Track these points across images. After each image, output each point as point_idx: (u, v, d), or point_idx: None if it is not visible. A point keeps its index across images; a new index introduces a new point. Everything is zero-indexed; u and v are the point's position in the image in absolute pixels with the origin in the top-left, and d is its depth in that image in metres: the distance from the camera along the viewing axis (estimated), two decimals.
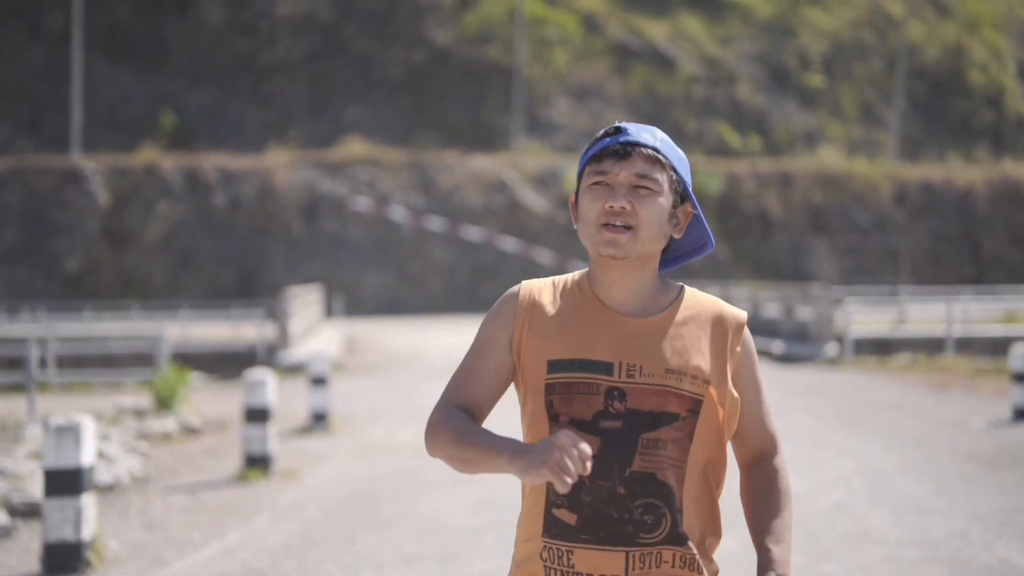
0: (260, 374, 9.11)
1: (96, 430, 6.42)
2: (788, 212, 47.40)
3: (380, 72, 51.58)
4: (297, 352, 20.63)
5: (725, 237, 46.48)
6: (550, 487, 2.16)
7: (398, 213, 42.20)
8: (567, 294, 2.28)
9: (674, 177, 2.23)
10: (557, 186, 45.50)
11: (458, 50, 52.53)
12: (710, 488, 2.22)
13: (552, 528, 2.17)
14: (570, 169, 45.92)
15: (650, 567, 2.13)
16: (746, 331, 2.29)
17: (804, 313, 21.79)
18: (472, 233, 42.25)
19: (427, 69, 51.85)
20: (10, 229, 41.28)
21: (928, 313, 25.88)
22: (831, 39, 58.10)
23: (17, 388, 17.43)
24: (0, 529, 6.81)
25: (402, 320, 35.56)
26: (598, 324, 2.22)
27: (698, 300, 2.28)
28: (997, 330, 22.72)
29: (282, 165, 44.21)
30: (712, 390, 2.19)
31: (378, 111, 50.42)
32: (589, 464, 2.01)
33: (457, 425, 2.21)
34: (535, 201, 44.97)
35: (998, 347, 20.09)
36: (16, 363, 19.18)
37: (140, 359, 19.94)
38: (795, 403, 13.56)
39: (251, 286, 41.06)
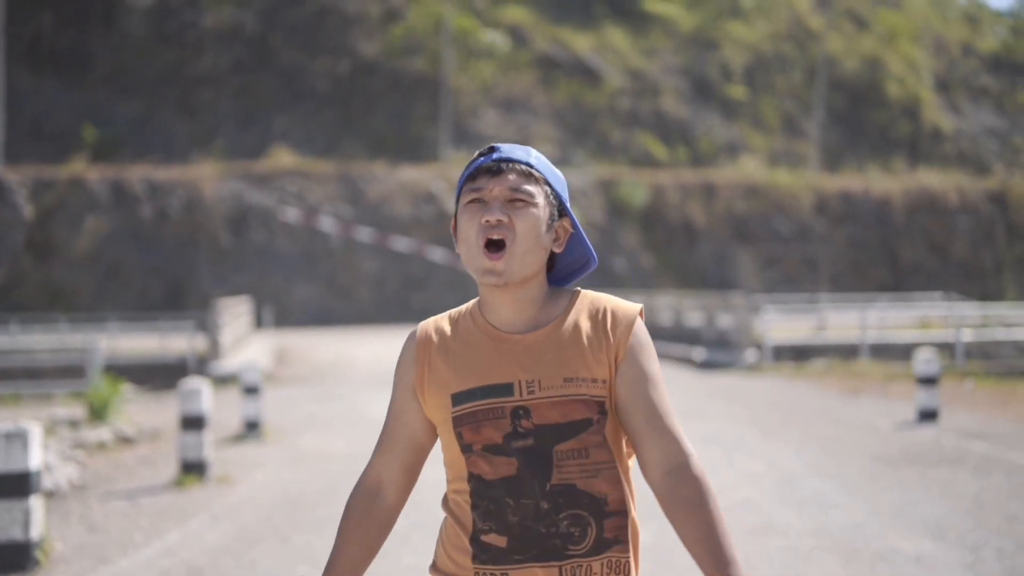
0: (195, 383, 9.40)
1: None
2: (712, 222, 48.25)
3: (307, 83, 51.69)
4: (228, 363, 20.82)
5: (650, 247, 47.23)
6: (476, 518, 2.18)
7: (327, 224, 42.38)
8: (461, 325, 2.30)
9: (549, 191, 2.25)
10: None
11: (385, 62, 52.81)
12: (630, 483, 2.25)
13: (482, 555, 2.18)
14: None
15: None
16: (638, 324, 2.26)
17: (725, 321, 22.41)
18: (401, 244, 42.54)
19: (354, 81, 52.06)
20: None
21: (846, 320, 26.66)
22: (752, 52, 59.23)
23: None
24: None
25: (332, 331, 35.75)
26: (493, 348, 2.24)
27: (589, 302, 2.28)
28: (910, 336, 23.52)
29: (209, 176, 44.16)
30: (607, 391, 2.20)
31: (305, 122, 50.51)
32: None
33: (342, 523, 2.33)
34: None
35: (911, 353, 20.86)
36: None
37: (68, 371, 20.03)
38: (713, 408, 14.11)
39: (179, 298, 40.97)
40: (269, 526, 7.44)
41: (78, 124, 47.98)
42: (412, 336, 2.33)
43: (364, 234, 42.47)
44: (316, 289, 41.65)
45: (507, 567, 2.16)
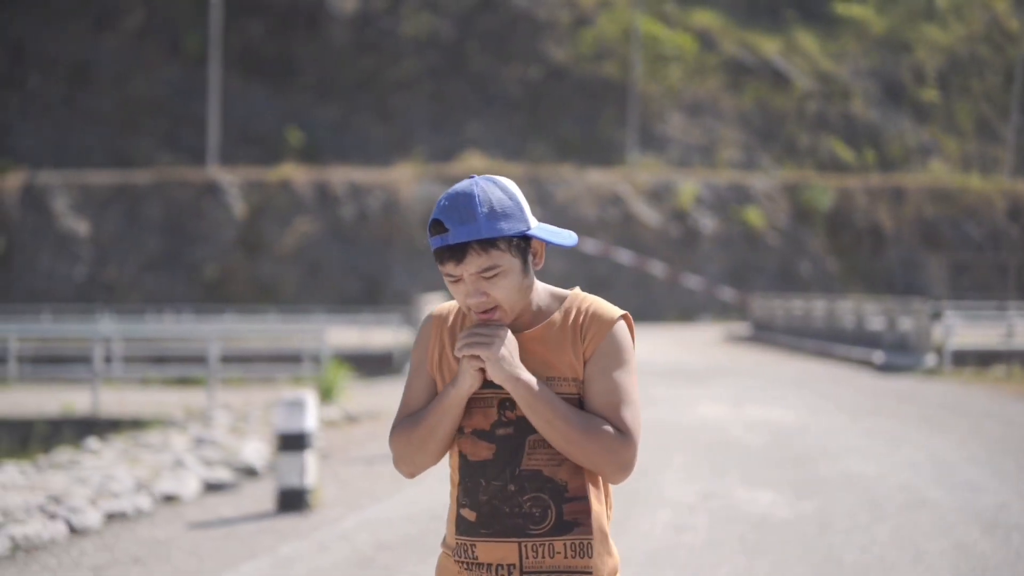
0: None
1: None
2: (900, 226, 47.98)
3: (498, 88, 53.38)
4: None
5: (836, 251, 47.31)
6: (459, 493, 2.44)
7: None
8: (470, 317, 2.48)
9: (513, 240, 2.36)
10: (670, 200, 46.77)
11: (574, 67, 54.11)
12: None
13: (461, 526, 2.41)
14: (683, 184, 47.19)
15: (544, 557, 2.36)
16: (616, 329, 2.42)
17: (905, 325, 22.95)
18: (588, 246, 43.73)
19: (543, 85, 53.52)
20: (153, 238, 43.96)
21: None
22: (947, 54, 58.37)
23: (175, 381, 19.57)
24: (228, 484, 8.70)
25: None
26: None
27: (576, 304, 2.46)
28: None
29: (406, 179, 46.19)
30: (580, 390, 2.40)
31: (496, 126, 52.21)
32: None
33: (408, 419, 2.47)
34: (648, 215, 46.32)
35: None
36: (161, 359, 21.42)
37: (283, 358, 21.96)
38: (886, 406, 14.93)
39: (375, 294, 43.07)
40: None
41: (283, 128, 50.72)
42: (428, 318, 2.54)
43: None
44: None
45: (475, 539, 2.39)
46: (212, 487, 8.57)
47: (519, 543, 2.34)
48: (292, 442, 7.56)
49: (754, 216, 46.75)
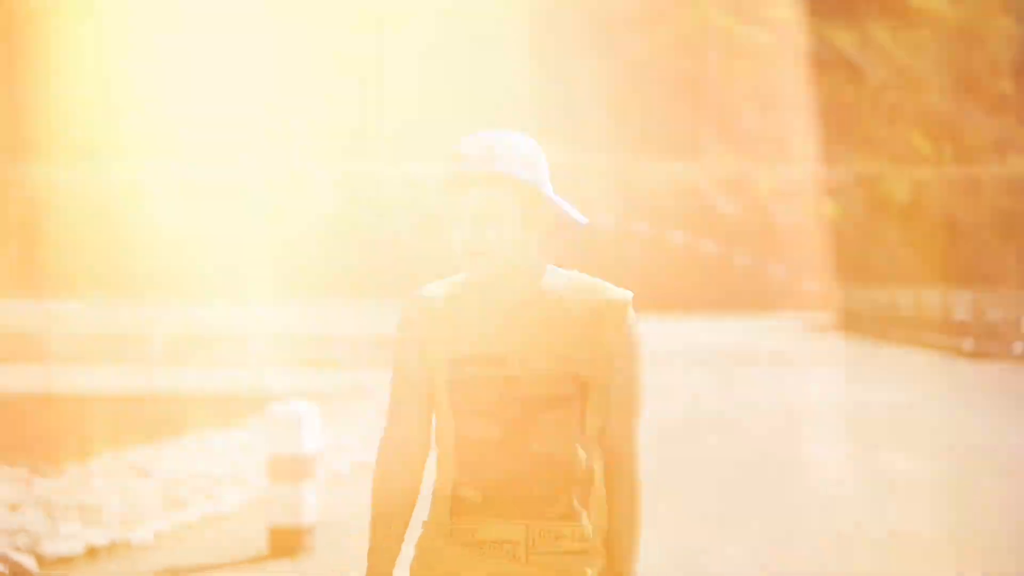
0: None
1: None
2: (976, 218, 48.39)
3: (576, 82, 54.28)
4: None
5: (911, 242, 47.86)
6: (457, 470, 2.29)
7: (604, 218, 44.89)
8: (463, 293, 2.35)
9: (518, 190, 2.24)
10: (747, 192, 47.59)
11: (651, 60, 54.88)
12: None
13: (459, 506, 2.28)
14: (760, 176, 48.01)
15: (550, 540, 2.26)
16: (629, 315, 2.31)
17: (993, 315, 23.80)
18: (675, 236, 44.55)
19: (621, 79, 54.35)
20: None
21: None
22: (1022, 46, 58.45)
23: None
24: None
25: None
26: (491, 318, 2.31)
27: (584, 285, 2.31)
28: None
29: None
30: (592, 372, 2.27)
31: (574, 119, 53.09)
32: None
33: (379, 505, 2.35)
34: (726, 207, 47.14)
35: None
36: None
37: None
38: (985, 388, 15.99)
39: None
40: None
41: None
42: (412, 304, 2.37)
43: (637, 227, 44.79)
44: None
45: (478, 519, 2.28)
46: None
47: (527, 525, 2.26)
48: None
49: (829, 208, 47.47)
